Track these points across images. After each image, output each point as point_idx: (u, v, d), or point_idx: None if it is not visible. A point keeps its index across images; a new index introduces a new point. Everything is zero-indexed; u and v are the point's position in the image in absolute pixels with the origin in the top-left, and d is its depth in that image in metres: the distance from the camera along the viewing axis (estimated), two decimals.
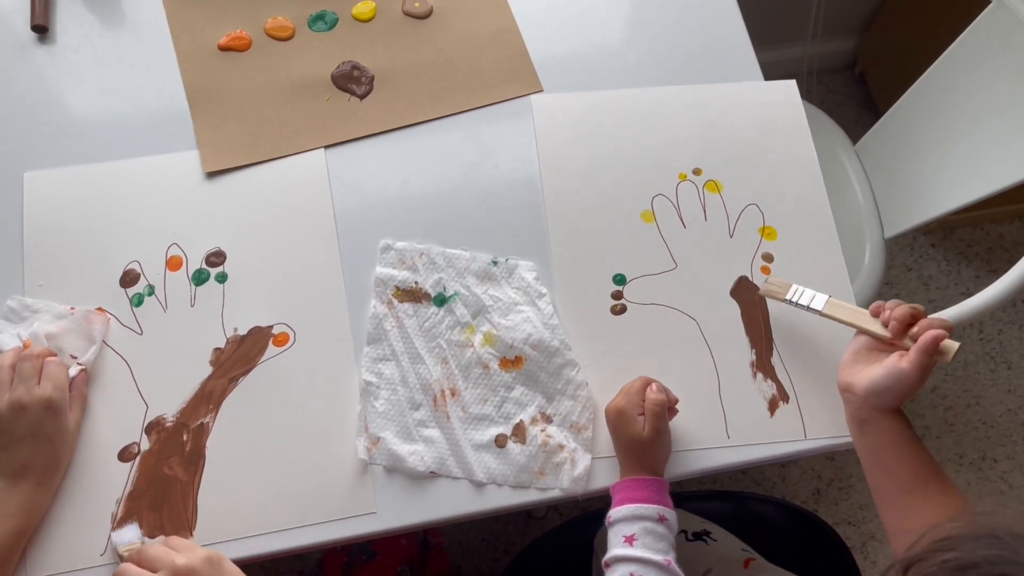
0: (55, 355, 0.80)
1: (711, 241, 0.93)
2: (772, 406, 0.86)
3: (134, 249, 0.89)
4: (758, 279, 0.91)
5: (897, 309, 0.75)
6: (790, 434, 0.84)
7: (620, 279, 0.91)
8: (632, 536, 0.73)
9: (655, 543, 0.73)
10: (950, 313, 1.03)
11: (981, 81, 1.15)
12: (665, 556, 0.72)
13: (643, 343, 0.88)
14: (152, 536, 0.77)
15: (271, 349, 0.86)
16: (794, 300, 0.84)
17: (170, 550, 0.70)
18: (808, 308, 0.83)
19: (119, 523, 0.77)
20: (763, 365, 0.87)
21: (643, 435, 0.77)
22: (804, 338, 0.89)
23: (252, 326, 0.86)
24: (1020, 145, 1.10)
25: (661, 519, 0.74)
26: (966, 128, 1.18)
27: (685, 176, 0.96)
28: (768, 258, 0.93)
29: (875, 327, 0.77)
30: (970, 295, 1.03)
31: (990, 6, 1.09)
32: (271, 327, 0.86)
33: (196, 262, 0.89)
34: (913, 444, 0.73)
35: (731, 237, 0.94)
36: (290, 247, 0.90)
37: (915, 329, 0.73)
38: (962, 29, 1.15)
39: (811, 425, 0.85)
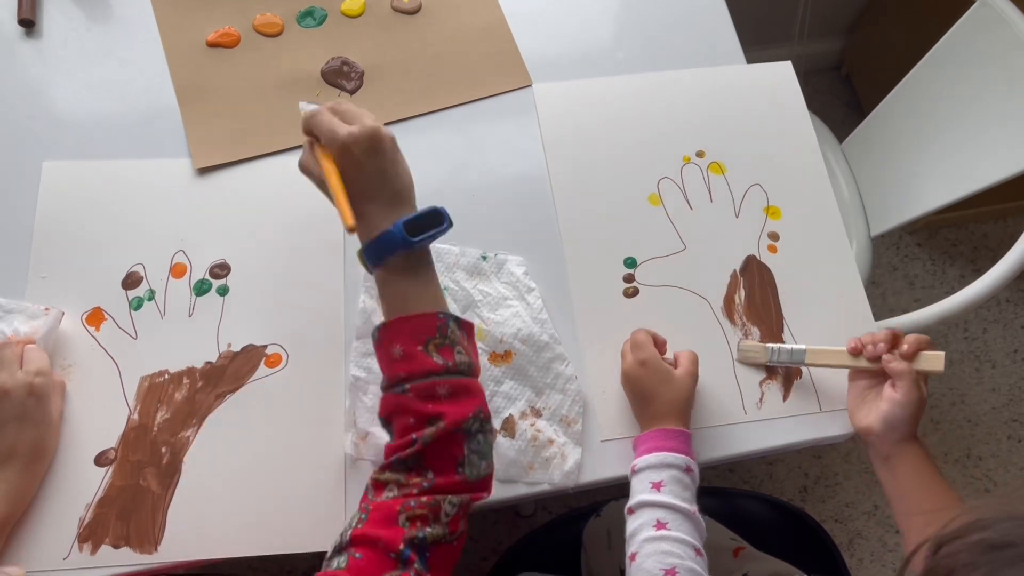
0: (34, 343, 0.80)
1: (718, 222, 0.95)
2: (786, 381, 0.87)
3: (140, 251, 0.88)
4: (765, 257, 0.93)
5: (877, 343, 0.78)
6: (805, 408, 0.86)
7: (631, 262, 0.91)
8: (660, 483, 0.73)
9: (682, 492, 0.73)
10: (935, 310, 1.04)
11: (966, 79, 1.16)
12: (691, 505, 0.73)
13: (657, 324, 0.88)
14: (116, 547, 0.75)
15: (262, 369, 0.84)
16: (774, 360, 0.85)
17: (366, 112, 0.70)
18: (790, 363, 0.85)
19: (86, 528, 0.75)
20: (774, 340, 0.88)
21: (676, 374, 0.79)
22: (812, 312, 0.90)
23: (246, 344, 0.85)
24: (1004, 143, 1.11)
25: (688, 469, 0.75)
26: (951, 127, 1.20)
27: (689, 159, 0.98)
28: (774, 236, 0.94)
29: (862, 363, 0.79)
30: (955, 294, 1.04)
31: (975, 5, 1.11)
32: (265, 347, 0.85)
33: (200, 272, 0.88)
34: (935, 476, 0.76)
35: (737, 217, 0.95)
36: (295, 260, 0.89)
37: (902, 349, 0.76)
38: (946, 30, 1.16)
39: (825, 399, 0.86)
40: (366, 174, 0.68)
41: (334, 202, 0.68)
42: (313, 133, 0.70)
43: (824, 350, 0.83)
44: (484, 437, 0.65)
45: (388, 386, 0.66)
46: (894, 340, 0.78)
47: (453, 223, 0.70)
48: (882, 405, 0.76)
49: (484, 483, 0.65)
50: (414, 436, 0.62)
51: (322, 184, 0.71)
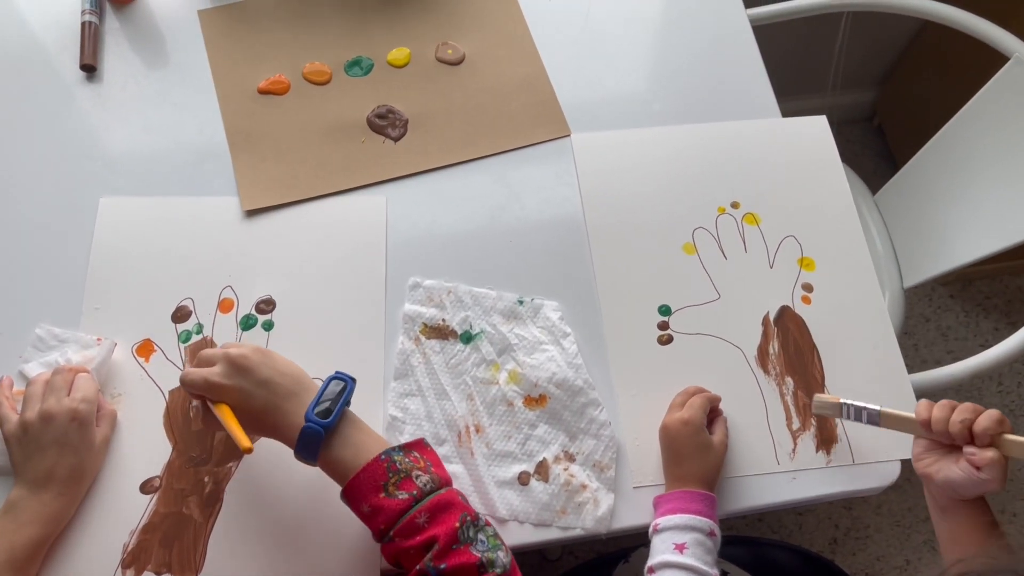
0: (87, 371, 0.83)
1: (752, 272, 0.96)
2: (820, 432, 0.87)
3: (190, 286, 0.91)
4: (799, 308, 0.94)
5: (953, 422, 0.71)
6: (839, 459, 0.85)
7: (665, 310, 0.93)
8: (683, 544, 0.74)
9: (704, 555, 0.74)
10: (971, 364, 1.04)
11: (1000, 135, 1.17)
12: (713, 569, 0.73)
13: (691, 372, 0.89)
14: (159, 573, 0.77)
15: None
16: (846, 416, 0.81)
17: (221, 348, 0.74)
18: (865, 422, 0.79)
19: (130, 553, 0.77)
20: (808, 390, 0.89)
21: (714, 445, 0.80)
22: (846, 363, 0.91)
23: None
24: None
25: (711, 534, 0.75)
26: (984, 181, 1.20)
27: (724, 209, 1.00)
28: (808, 288, 0.95)
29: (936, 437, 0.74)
30: (989, 347, 1.04)
31: (1008, 63, 1.12)
32: None
33: (247, 307, 0.91)
34: (991, 530, 0.72)
35: (771, 268, 0.96)
36: (337, 299, 0.91)
37: (978, 430, 0.69)
38: (979, 84, 1.17)
39: (859, 451, 0.86)
40: (251, 393, 0.70)
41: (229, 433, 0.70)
42: (196, 393, 0.73)
43: (900, 415, 0.77)
44: (485, 534, 0.67)
45: (379, 540, 0.68)
46: (971, 418, 0.70)
47: (355, 378, 0.73)
48: (954, 471, 0.70)
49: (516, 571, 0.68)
50: (418, 567, 0.64)
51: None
